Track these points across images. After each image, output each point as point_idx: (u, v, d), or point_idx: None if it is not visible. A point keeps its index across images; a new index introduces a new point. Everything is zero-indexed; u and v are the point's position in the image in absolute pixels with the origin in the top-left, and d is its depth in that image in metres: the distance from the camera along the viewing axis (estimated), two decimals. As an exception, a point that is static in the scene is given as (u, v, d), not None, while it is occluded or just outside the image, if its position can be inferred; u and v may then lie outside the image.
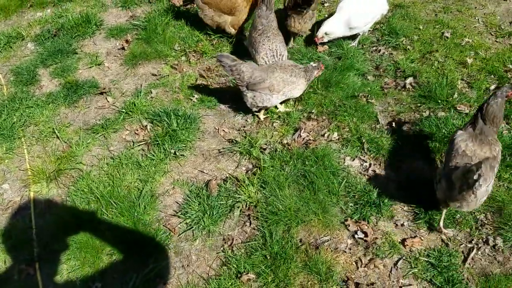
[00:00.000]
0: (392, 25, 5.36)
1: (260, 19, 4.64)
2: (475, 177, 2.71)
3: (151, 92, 4.75)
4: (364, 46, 5.20)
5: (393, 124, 4.24)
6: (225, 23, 5.10)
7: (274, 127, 4.30)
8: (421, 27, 5.39)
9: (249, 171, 3.91)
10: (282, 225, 3.42)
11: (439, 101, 4.34)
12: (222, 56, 4.06)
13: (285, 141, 4.13)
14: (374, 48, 5.18)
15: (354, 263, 3.24)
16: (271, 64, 4.24)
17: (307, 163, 3.83)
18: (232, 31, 5.22)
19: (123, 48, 5.43)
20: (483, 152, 3.06)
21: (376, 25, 5.45)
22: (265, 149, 4.05)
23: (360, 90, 4.59)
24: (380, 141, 4.05)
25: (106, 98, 4.76)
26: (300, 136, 4.15)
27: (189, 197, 3.71)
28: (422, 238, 3.36)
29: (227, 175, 3.88)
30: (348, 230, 3.43)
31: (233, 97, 4.60)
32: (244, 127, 4.36)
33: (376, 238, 3.37)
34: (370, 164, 3.91)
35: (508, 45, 5.09)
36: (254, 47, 4.53)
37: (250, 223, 3.53)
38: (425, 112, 4.32)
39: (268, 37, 4.46)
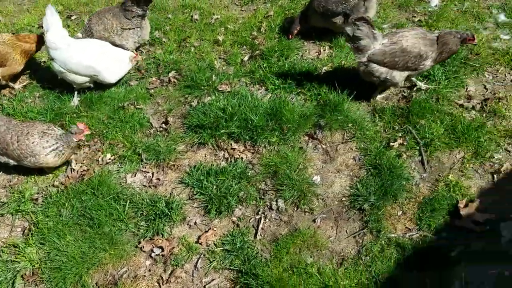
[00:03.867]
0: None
1: None
2: None
3: None
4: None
5: (167, 123, 4.22)
6: None
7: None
8: (170, 16, 5.39)
9: (25, 230, 3.51)
10: (72, 277, 3.16)
11: (202, 87, 4.44)
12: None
13: (57, 182, 3.79)
14: (130, 49, 5.03)
15: (156, 284, 3.18)
16: None
17: (84, 198, 3.58)
18: (3, 82, 4.59)
19: None
20: None
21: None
22: (37, 200, 3.66)
23: (126, 99, 4.43)
24: (157, 145, 4.00)
25: None
26: (73, 170, 3.86)
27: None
28: (215, 228, 3.45)
29: (1, 245, 3.42)
30: (144, 251, 3.33)
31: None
32: (10, 181, 3.87)
33: (173, 247, 3.35)
34: (152, 174, 3.85)
35: (253, 11, 5.41)
36: None
37: (37, 290, 3.19)
38: (193, 102, 4.38)
39: None
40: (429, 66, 3.80)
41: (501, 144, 3.63)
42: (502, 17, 4.66)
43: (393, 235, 3.24)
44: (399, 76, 3.80)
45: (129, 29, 4.57)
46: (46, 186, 3.77)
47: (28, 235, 3.44)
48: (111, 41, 4.50)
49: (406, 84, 4.05)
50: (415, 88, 4.09)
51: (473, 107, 3.90)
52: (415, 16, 4.92)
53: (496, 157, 3.55)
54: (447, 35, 3.64)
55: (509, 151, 3.58)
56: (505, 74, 4.13)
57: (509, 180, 3.43)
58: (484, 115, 3.83)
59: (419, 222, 3.28)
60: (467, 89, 4.07)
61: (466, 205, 3.29)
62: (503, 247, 3.10)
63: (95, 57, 4.22)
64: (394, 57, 3.69)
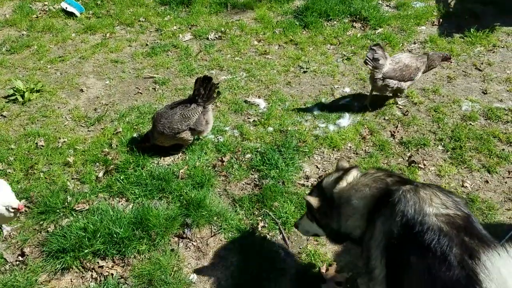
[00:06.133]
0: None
1: None
2: None
3: None
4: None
5: (24, 255, 3.88)
6: None
7: None
8: (13, 146, 5.19)
9: None
10: None
11: (58, 210, 4.27)
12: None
13: None
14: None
15: None
16: None
17: None
18: None
19: None
20: None
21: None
22: None
23: (-32, 238, 3.99)
24: (16, 281, 3.62)
25: None
26: None
27: None
28: None
29: None
30: None
31: None
32: None
33: None
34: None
35: (100, 130, 5.55)
36: None
37: None
38: (50, 227, 4.15)
39: None
40: (420, 76, 5.43)
41: (341, 210, 4.28)
42: (316, 111, 5.69)
43: (274, 313, 3.45)
44: (404, 85, 5.27)
45: None
46: None
47: None
48: None
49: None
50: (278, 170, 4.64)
51: (312, 185, 4.56)
52: (249, 118, 5.67)
53: (340, 223, 4.15)
54: (432, 55, 5.29)
55: (349, 215, 4.23)
56: (329, 154, 4.98)
57: (354, 241, 4.02)
58: (322, 189, 4.50)
59: (294, 296, 3.57)
60: (304, 170, 4.77)
61: (327, 270, 3.73)
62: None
63: None
64: (402, 72, 5.15)
